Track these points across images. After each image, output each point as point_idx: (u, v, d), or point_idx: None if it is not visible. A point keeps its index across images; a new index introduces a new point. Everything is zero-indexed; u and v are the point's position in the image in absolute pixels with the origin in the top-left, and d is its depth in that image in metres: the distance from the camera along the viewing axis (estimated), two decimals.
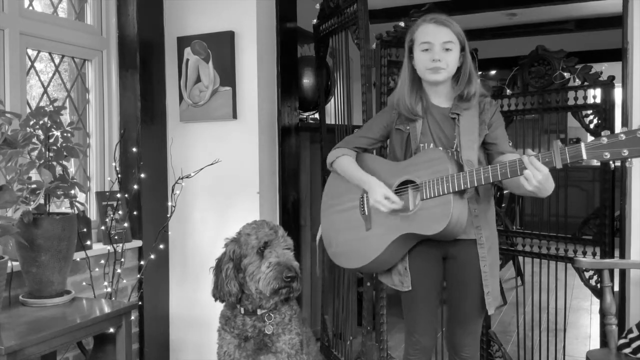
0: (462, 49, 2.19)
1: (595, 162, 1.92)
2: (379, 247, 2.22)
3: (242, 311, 2.17)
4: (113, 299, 2.82)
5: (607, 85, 2.79)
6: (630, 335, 2.32)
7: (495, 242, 2.26)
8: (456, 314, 2.26)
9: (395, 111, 2.29)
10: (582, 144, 1.80)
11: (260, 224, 2.16)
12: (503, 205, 5.12)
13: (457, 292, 2.25)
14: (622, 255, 2.72)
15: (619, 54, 2.70)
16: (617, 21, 2.81)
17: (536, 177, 1.86)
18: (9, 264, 2.21)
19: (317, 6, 3.40)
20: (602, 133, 1.80)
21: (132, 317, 2.44)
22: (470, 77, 2.20)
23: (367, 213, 2.28)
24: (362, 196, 2.31)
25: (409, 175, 2.18)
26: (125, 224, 2.98)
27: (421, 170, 2.13)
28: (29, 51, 2.75)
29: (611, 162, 1.83)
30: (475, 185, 2.02)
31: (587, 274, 2.84)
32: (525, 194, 2.00)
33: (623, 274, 2.68)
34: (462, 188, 2.03)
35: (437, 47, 2.14)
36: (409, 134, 2.24)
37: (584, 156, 1.79)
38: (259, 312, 2.17)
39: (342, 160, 2.34)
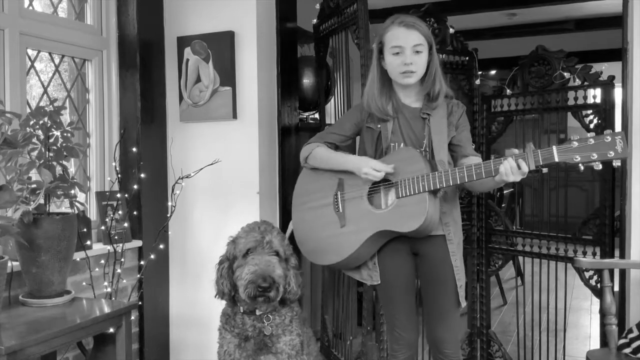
0: (430, 49, 2.23)
1: None
2: (354, 244, 2.26)
3: (242, 309, 2.18)
4: (113, 299, 2.81)
5: (607, 85, 2.79)
6: (631, 335, 2.32)
7: (461, 238, 2.34)
8: (434, 311, 2.29)
9: (365, 110, 2.32)
10: (554, 147, 1.92)
11: (252, 228, 2.18)
12: (503, 205, 5.12)
13: (432, 289, 2.29)
14: (622, 255, 2.72)
15: (619, 54, 2.70)
16: (617, 21, 2.81)
17: (510, 177, 1.97)
18: (9, 264, 2.21)
19: (317, 6, 3.40)
20: (572, 137, 1.93)
21: (132, 317, 2.44)
22: (436, 78, 2.25)
23: (341, 210, 2.32)
24: (335, 193, 2.35)
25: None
26: (125, 224, 2.98)
27: (396, 169, 2.18)
28: (29, 51, 2.75)
29: (581, 165, 1.92)
30: (451, 184, 2.09)
31: (587, 274, 2.84)
32: (486, 190, 2.17)
33: (623, 274, 2.68)
34: (438, 187, 2.10)
35: (408, 51, 2.18)
36: (380, 132, 2.29)
37: (556, 158, 1.91)
38: (257, 312, 2.17)
39: (319, 150, 2.37)
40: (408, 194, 2.14)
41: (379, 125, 2.29)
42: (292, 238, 2.45)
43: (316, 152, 2.38)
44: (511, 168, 1.96)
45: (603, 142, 1.87)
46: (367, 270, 2.33)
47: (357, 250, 2.26)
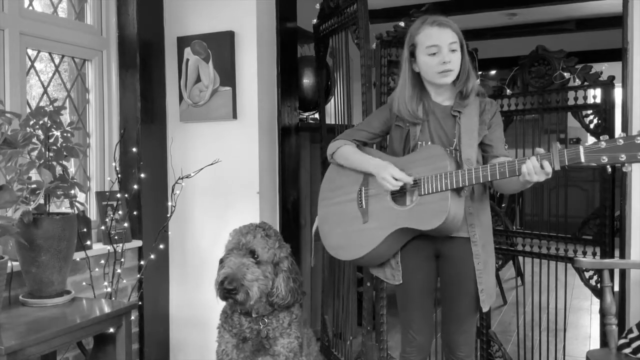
0: (461, 47, 2.21)
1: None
2: (374, 240, 2.23)
3: (239, 310, 2.18)
4: (113, 299, 2.81)
5: (607, 85, 2.79)
6: (630, 335, 2.32)
7: (489, 241, 2.28)
8: (450, 312, 2.27)
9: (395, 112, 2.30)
10: (581, 147, 1.83)
11: (240, 229, 2.19)
12: (503, 205, 5.12)
13: (450, 291, 2.26)
14: (622, 255, 2.72)
15: (619, 54, 2.70)
16: (617, 21, 2.81)
17: (533, 177, 1.91)
18: (9, 264, 2.21)
19: (317, 6, 3.39)
20: (601, 137, 1.84)
21: (132, 317, 2.44)
22: (469, 74, 2.23)
23: (364, 206, 2.30)
24: (360, 189, 2.33)
25: (409, 170, 2.19)
26: (125, 224, 2.98)
27: (420, 167, 2.15)
28: (29, 51, 2.75)
29: (608, 167, 1.87)
30: (474, 183, 2.05)
31: (587, 274, 2.84)
32: (514, 191, 2.13)
33: (623, 274, 2.68)
34: (460, 185, 2.05)
35: (445, 49, 2.15)
36: (409, 130, 2.26)
37: (582, 159, 1.83)
38: (253, 314, 2.17)
39: (344, 148, 2.36)
40: (430, 191, 2.10)
41: (407, 124, 2.26)
42: (317, 234, 2.46)
43: (342, 150, 2.36)
44: (534, 168, 1.90)
45: (633, 143, 1.78)
46: (390, 269, 2.30)
47: (377, 247, 2.23)
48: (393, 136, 2.33)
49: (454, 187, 2.06)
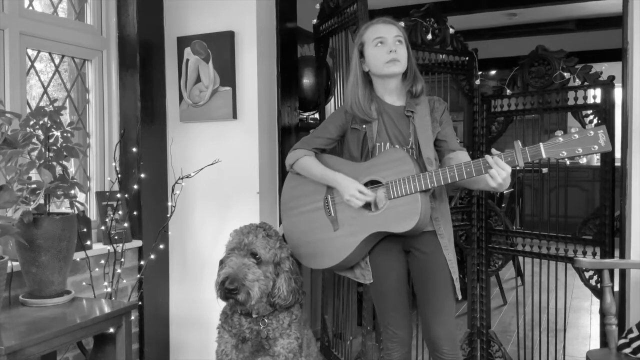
0: (407, 46, 2.30)
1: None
2: (349, 247, 2.27)
3: (239, 310, 2.18)
4: (113, 299, 2.81)
5: (607, 85, 2.79)
6: (630, 335, 2.32)
7: (452, 234, 2.36)
8: (428, 306, 2.29)
9: (349, 113, 2.34)
10: (541, 144, 1.97)
11: (241, 230, 2.20)
12: (503, 205, 5.12)
13: (426, 284, 2.29)
14: (622, 255, 2.72)
15: (619, 54, 2.70)
16: (617, 21, 2.81)
17: (501, 175, 2.00)
18: (9, 264, 2.21)
19: (317, 6, 3.40)
20: (556, 133, 1.93)
21: (132, 317, 2.44)
22: (416, 74, 2.32)
23: (333, 214, 2.34)
24: (325, 197, 2.37)
25: (374, 175, 2.24)
26: (125, 224, 2.98)
27: (386, 171, 2.21)
28: (29, 51, 2.75)
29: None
30: (442, 184, 2.12)
31: (587, 274, 2.84)
32: (479, 189, 2.20)
33: (623, 274, 2.68)
34: (429, 187, 2.12)
35: (391, 40, 2.24)
36: (365, 133, 2.31)
37: (543, 155, 1.97)
38: (253, 314, 2.17)
39: (305, 160, 2.39)
40: (400, 194, 2.16)
41: (364, 126, 2.31)
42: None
43: (303, 162, 2.39)
44: (499, 165, 1.99)
45: (587, 136, 1.93)
46: (359, 269, 2.36)
47: (352, 253, 2.28)
48: (350, 139, 2.36)
49: (424, 189, 2.12)
